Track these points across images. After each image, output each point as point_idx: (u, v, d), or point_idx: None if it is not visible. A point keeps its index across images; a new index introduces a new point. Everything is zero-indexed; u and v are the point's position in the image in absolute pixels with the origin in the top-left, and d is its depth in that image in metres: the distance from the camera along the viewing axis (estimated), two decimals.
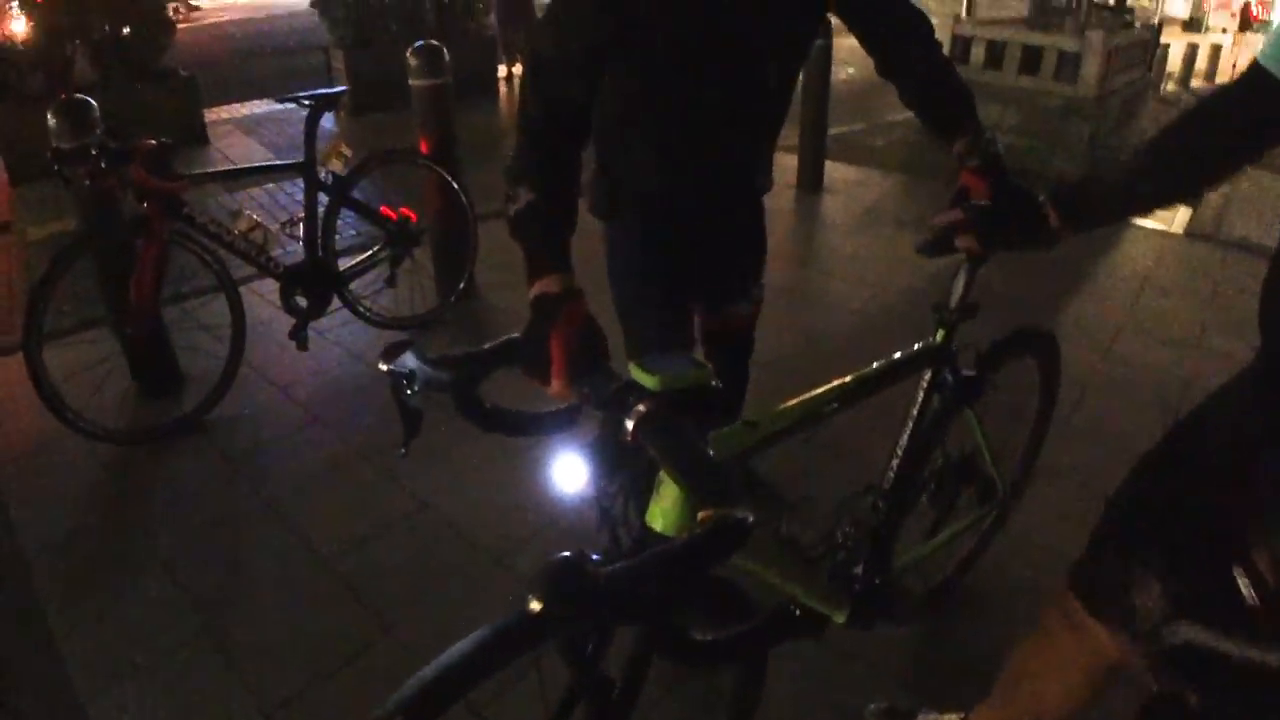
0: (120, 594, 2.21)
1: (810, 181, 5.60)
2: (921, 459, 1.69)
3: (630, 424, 0.90)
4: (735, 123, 1.62)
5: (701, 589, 1.12)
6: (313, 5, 8.31)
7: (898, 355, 1.56)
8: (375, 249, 3.48)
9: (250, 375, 3.17)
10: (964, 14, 7.32)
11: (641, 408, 0.90)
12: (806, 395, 1.37)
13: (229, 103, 8.61)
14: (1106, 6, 8.46)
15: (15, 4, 6.56)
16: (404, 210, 3.49)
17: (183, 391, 3.14)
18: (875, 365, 1.50)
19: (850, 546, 1.62)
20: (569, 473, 1.02)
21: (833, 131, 7.38)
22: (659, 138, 1.62)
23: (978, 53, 6.90)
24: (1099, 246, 4.89)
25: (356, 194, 3.38)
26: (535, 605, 0.70)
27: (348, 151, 3.28)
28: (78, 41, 6.84)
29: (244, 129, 7.71)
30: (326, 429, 2.93)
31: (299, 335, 3.18)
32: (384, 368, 1.03)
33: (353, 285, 3.43)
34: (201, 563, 2.31)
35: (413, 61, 3.46)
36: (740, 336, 2.03)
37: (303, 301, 3.22)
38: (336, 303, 3.37)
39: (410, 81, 3.51)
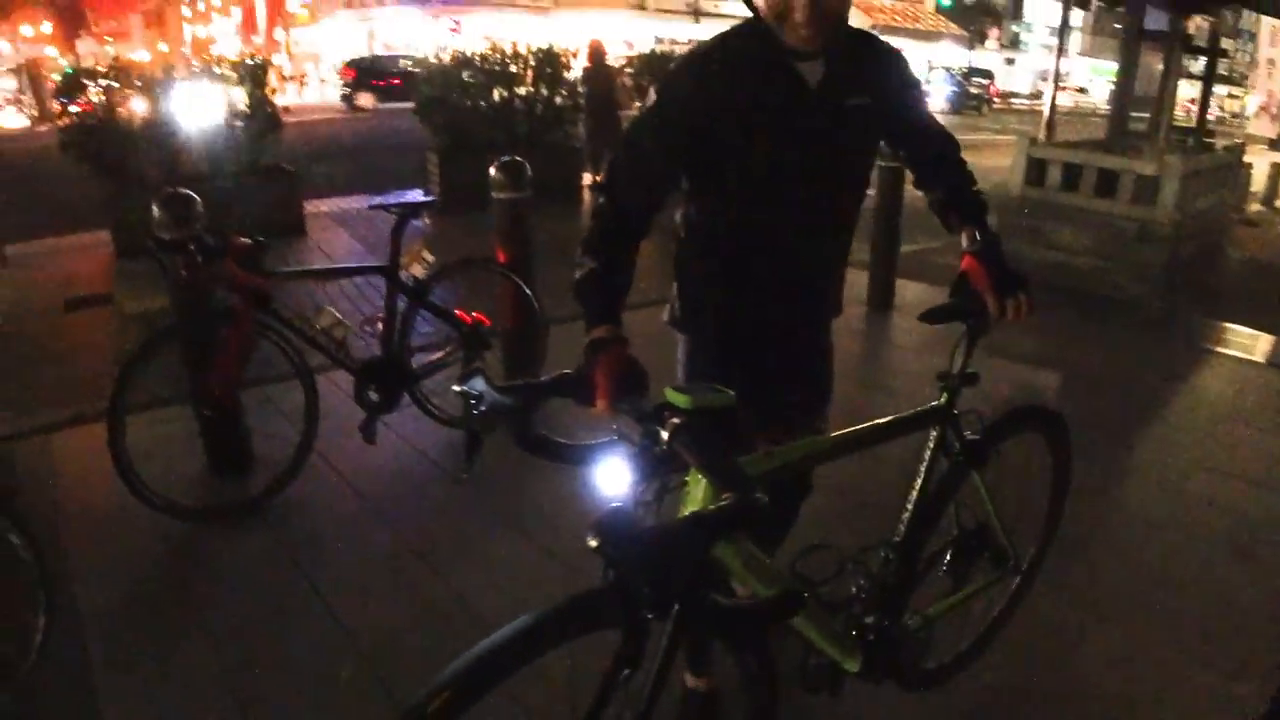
0: (165, 666, 2.29)
1: (880, 300, 5.63)
2: (931, 516, 1.83)
3: (665, 434, 1.12)
4: (802, 248, 1.75)
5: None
6: (415, 112, 8.86)
7: (903, 414, 1.77)
8: (448, 349, 3.63)
9: (318, 463, 3.28)
10: (1041, 136, 7.34)
11: (675, 420, 1.12)
12: (819, 438, 1.68)
13: (329, 197, 9.16)
14: (1187, 130, 8.39)
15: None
16: (478, 315, 3.64)
17: (252, 473, 3.27)
18: (883, 420, 1.72)
19: (863, 597, 1.74)
20: (612, 477, 1.19)
21: (908, 249, 7.43)
22: (731, 256, 1.76)
23: (1053, 174, 6.90)
24: (1178, 372, 4.78)
25: (435, 296, 3.53)
26: (592, 543, 0.89)
27: (429, 256, 3.47)
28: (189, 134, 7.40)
29: (340, 222, 8.17)
30: (382, 522, 3.02)
31: (368, 429, 3.30)
32: (456, 389, 1.23)
33: (424, 383, 3.56)
34: (245, 645, 2.38)
35: (495, 175, 3.67)
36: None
37: (375, 396, 3.35)
38: (407, 399, 3.50)
39: (492, 194, 3.72)
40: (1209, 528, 3.11)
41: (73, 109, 7.44)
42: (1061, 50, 9.21)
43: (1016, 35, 52.86)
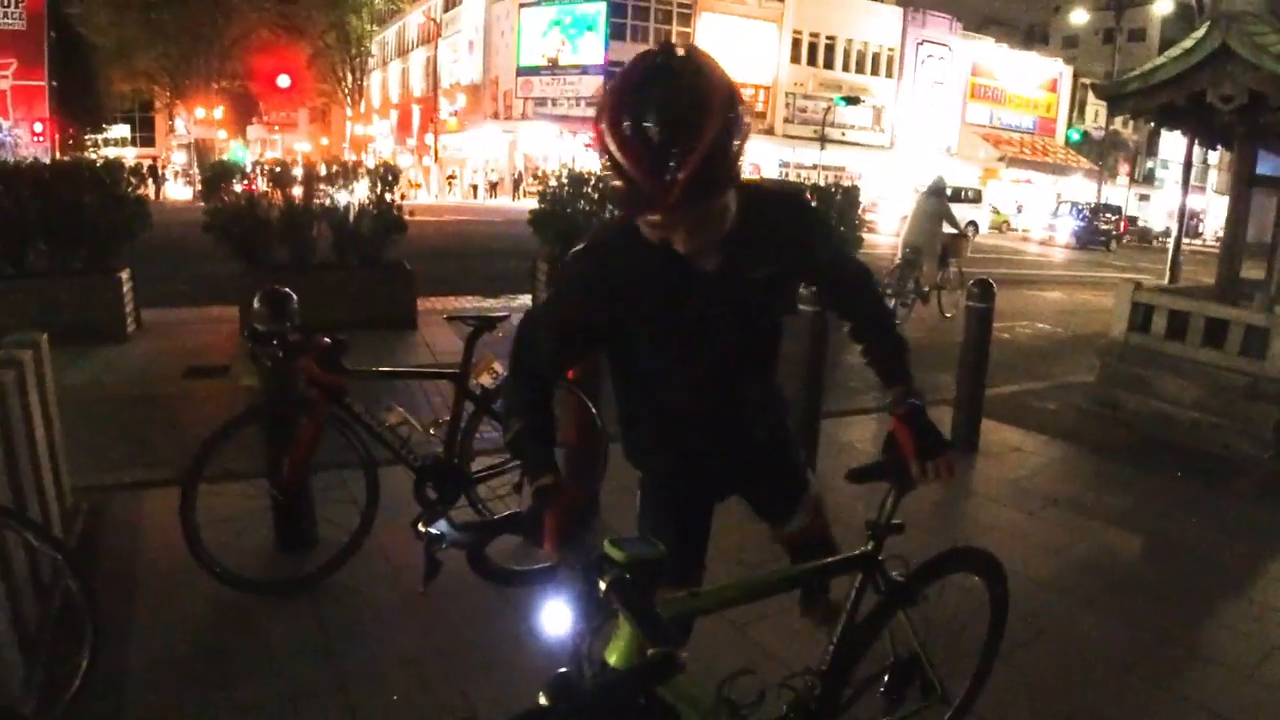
0: None
1: (963, 441, 5.50)
2: (857, 649, 1.94)
3: (603, 584, 1.29)
4: (718, 394, 1.82)
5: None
6: (530, 224, 9.35)
7: (830, 560, 1.95)
8: (508, 457, 3.77)
9: (373, 550, 3.46)
10: (1144, 281, 7.13)
11: (612, 573, 1.29)
12: (745, 578, 1.86)
13: (442, 295, 9.69)
14: None
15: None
16: None
17: (311, 552, 3.47)
18: (810, 565, 1.93)
19: None
20: (555, 618, 1.37)
21: (1005, 389, 7.32)
22: (649, 403, 1.86)
23: (1159, 322, 6.69)
24: (1271, 543, 4.49)
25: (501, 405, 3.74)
26: (544, 701, 1.23)
27: (499, 368, 3.67)
28: (320, 226, 8.03)
29: (455, 320, 8.68)
30: (416, 617, 3.15)
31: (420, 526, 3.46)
32: (421, 528, 1.45)
33: (481, 488, 3.72)
34: None
35: None
36: (812, 544, 2.11)
37: (432, 494, 3.53)
38: (464, 500, 3.66)
39: None
40: None
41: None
42: (1189, 188, 8.96)
43: (1151, 171, 51.73)
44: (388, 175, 8.39)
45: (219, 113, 39.49)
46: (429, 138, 46.60)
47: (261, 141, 51.18)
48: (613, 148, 1.42)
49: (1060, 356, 9.39)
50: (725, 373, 1.80)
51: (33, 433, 3.11)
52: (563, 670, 1.31)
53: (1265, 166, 7.33)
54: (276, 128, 52.56)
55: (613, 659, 1.36)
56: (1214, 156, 35.64)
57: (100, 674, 2.52)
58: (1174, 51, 6.66)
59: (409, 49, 56.00)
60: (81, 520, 3.70)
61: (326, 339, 3.18)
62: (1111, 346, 6.96)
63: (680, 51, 1.46)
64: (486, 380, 3.63)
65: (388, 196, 8.28)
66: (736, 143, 1.45)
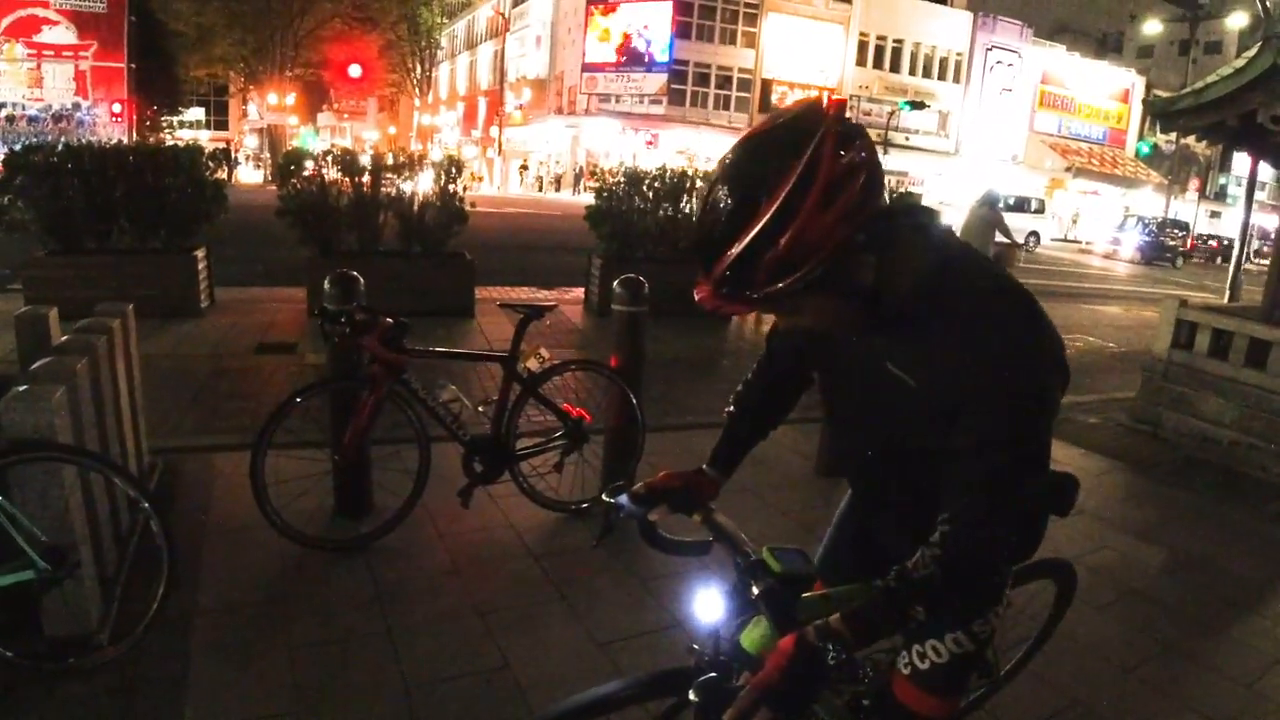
0: (245, 668, 2.74)
1: None
2: None
3: (756, 590, 1.42)
4: (872, 465, 1.65)
5: None
6: (586, 219, 9.59)
7: None
8: (551, 437, 4.05)
9: (423, 517, 3.77)
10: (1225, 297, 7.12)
11: (765, 584, 1.42)
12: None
13: (498, 286, 10.01)
14: None
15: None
16: (581, 411, 4.06)
17: (366, 516, 3.77)
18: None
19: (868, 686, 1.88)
20: (706, 604, 1.51)
21: None
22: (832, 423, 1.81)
23: (1201, 340, 6.70)
24: (1275, 564, 4.55)
25: (549, 389, 3.99)
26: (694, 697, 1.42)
27: (545, 354, 3.93)
28: (386, 215, 8.38)
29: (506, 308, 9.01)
30: (460, 579, 3.42)
31: (466, 495, 3.74)
32: (606, 499, 1.67)
33: (524, 465, 3.98)
34: (315, 664, 2.80)
35: (617, 290, 4.10)
36: None
37: (478, 468, 3.81)
38: (508, 475, 3.93)
39: (613, 306, 4.15)
40: None
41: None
42: (1260, 206, 8.86)
43: (1224, 188, 50.30)
44: (451, 167, 8.71)
45: (290, 99, 40.51)
46: (494, 130, 47.28)
47: (331, 129, 52.35)
48: None
49: (1109, 371, 9.37)
50: (857, 444, 1.64)
51: (118, 393, 3.45)
52: (712, 675, 1.47)
53: None
54: (346, 116, 53.69)
55: (747, 643, 1.47)
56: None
57: (171, 613, 2.83)
58: (1225, 70, 6.67)
59: (477, 42, 56.81)
60: (157, 476, 4.06)
61: (390, 320, 3.45)
62: (1154, 363, 6.99)
63: (783, 119, 1.25)
64: (533, 365, 3.88)
65: (451, 188, 8.59)
66: (797, 268, 1.19)
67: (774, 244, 1.18)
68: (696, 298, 1.27)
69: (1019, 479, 1.31)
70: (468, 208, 8.73)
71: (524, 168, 44.75)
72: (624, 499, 1.64)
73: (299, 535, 3.48)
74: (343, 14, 39.58)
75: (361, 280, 3.64)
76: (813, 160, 1.18)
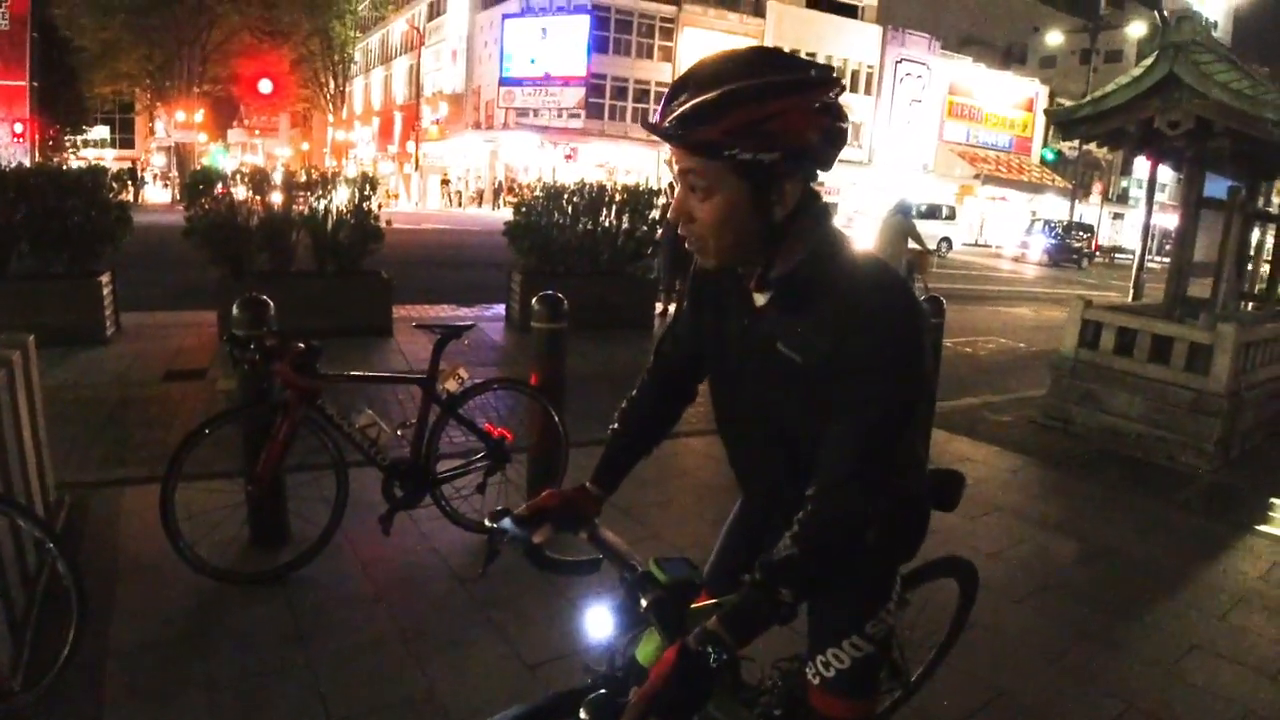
0: (165, 709, 2.63)
1: None
2: None
3: (645, 602, 1.43)
4: (740, 454, 1.73)
5: None
6: (504, 235, 9.53)
7: None
8: (472, 459, 3.99)
9: (343, 546, 3.67)
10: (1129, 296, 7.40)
11: (653, 595, 1.43)
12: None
13: (416, 304, 9.88)
14: (1250, 296, 8.27)
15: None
16: (503, 430, 4.02)
17: (284, 546, 3.65)
18: None
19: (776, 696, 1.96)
20: (597, 622, 1.51)
21: (963, 402, 7.58)
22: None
23: (1108, 339, 6.97)
24: (1211, 549, 4.74)
25: (469, 409, 3.92)
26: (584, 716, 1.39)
27: (465, 374, 3.88)
28: (299, 234, 8.19)
29: (423, 328, 8.86)
30: (381, 607, 3.34)
31: (387, 521, 3.66)
32: (488, 524, 1.62)
33: (446, 487, 3.91)
34: (235, 701, 2.70)
35: (536, 306, 4.07)
36: None
37: (398, 492, 3.73)
38: (429, 498, 3.85)
39: (533, 324, 4.12)
40: (1195, 713, 3.09)
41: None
42: (1161, 207, 9.29)
43: (1125, 190, 52.59)
44: (366, 185, 8.55)
45: (199, 116, 39.39)
46: (410, 145, 46.73)
47: (242, 145, 51.09)
48: None
49: (1021, 371, 9.67)
50: (749, 440, 1.67)
51: (20, 428, 3.28)
52: (602, 691, 1.46)
53: (1215, 188, 7.63)
54: (257, 132, 52.48)
55: (641, 657, 1.48)
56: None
57: (83, 655, 2.70)
58: (1124, 79, 6.96)
59: (392, 56, 56.19)
60: (64, 513, 3.87)
61: (301, 345, 3.36)
62: (1062, 362, 7.23)
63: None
64: (452, 385, 3.82)
65: (366, 206, 8.43)
66: (762, 140, 1.32)
67: (755, 103, 1.31)
68: (648, 123, 1.40)
69: (880, 446, 1.37)
70: (383, 225, 8.58)
71: (445, 182, 44.36)
72: (507, 522, 1.61)
73: (214, 569, 3.36)
74: (252, 27, 38.66)
75: (271, 304, 3.54)
76: (819, 79, 1.37)
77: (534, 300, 4.10)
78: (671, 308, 10.96)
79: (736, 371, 1.59)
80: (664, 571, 1.46)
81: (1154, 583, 4.22)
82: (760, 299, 1.49)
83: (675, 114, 1.34)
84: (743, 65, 1.35)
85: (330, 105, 55.60)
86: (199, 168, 9.04)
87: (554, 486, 3.97)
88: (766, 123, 1.31)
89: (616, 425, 1.82)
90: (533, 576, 3.42)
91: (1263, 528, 5.19)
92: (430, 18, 49.43)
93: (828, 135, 1.37)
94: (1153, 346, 6.70)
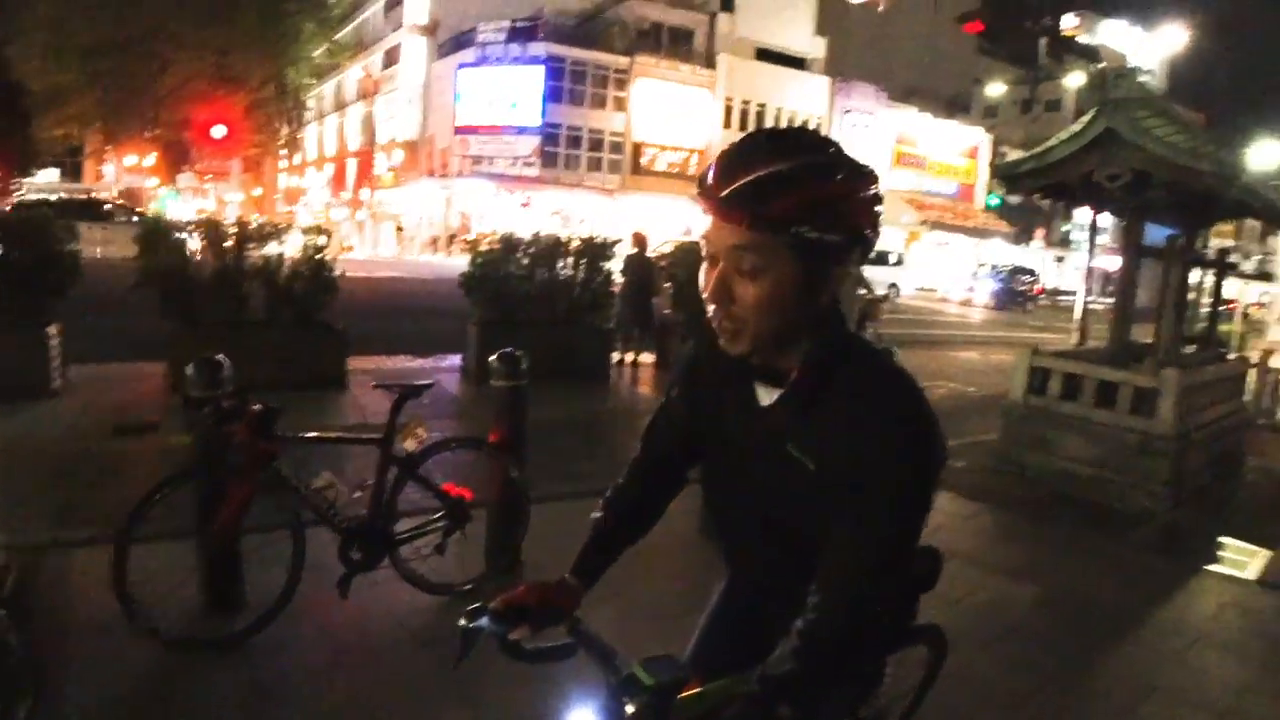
0: None
1: None
2: None
3: (630, 709, 1.34)
4: (737, 558, 1.72)
5: None
6: (461, 286, 9.49)
7: None
8: (431, 518, 3.93)
9: (300, 610, 3.56)
10: (1073, 338, 7.61)
11: (638, 699, 1.35)
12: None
13: (372, 355, 9.76)
14: (1192, 339, 8.55)
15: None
16: (463, 490, 3.97)
17: (240, 611, 3.56)
18: None
19: None
20: None
21: None
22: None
23: (1055, 384, 7.14)
24: (1164, 589, 4.84)
25: (427, 468, 3.89)
26: None
27: (423, 433, 3.85)
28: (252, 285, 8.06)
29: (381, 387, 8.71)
30: (340, 674, 3.28)
31: (344, 585, 3.59)
32: (464, 624, 1.53)
33: (404, 548, 3.85)
34: None
35: (495, 364, 4.06)
36: None
37: (356, 555, 3.66)
38: (388, 560, 3.78)
39: (491, 382, 4.10)
40: None
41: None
42: (1102, 250, 9.62)
43: (1067, 234, 54.15)
44: (320, 236, 8.50)
45: (150, 159, 38.90)
46: (364, 192, 46.55)
47: (193, 190, 50.44)
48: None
49: (972, 416, 9.82)
50: (744, 528, 1.61)
51: None
52: None
53: (1156, 234, 7.93)
54: (209, 176, 51.88)
55: None
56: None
57: None
58: (1064, 134, 7.23)
59: (346, 103, 56.12)
60: (12, 578, 3.72)
61: (259, 406, 3.31)
62: (1013, 408, 7.39)
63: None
64: (410, 445, 3.79)
65: (321, 257, 8.36)
66: (831, 220, 1.27)
67: (829, 180, 1.28)
68: (704, 191, 1.32)
69: (891, 568, 1.32)
70: (338, 275, 8.50)
71: (399, 229, 44.20)
72: (484, 621, 1.53)
73: (169, 636, 3.28)
74: (206, 73, 38.42)
75: (227, 364, 3.49)
76: (869, 169, 1.34)
77: (492, 358, 4.08)
78: (630, 356, 11.02)
79: (737, 466, 1.52)
80: (650, 674, 1.39)
81: (1113, 625, 4.30)
82: (765, 394, 1.42)
83: (742, 182, 1.26)
84: (805, 143, 1.32)
85: (284, 151, 55.24)
86: (149, 215, 8.89)
87: (515, 545, 3.98)
88: (838, 202, 1.28)
89: (601, 513, 1.72)
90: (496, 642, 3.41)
91: (1214, 567, 5.34)
92: (385, 66, 49.60)
93: (877, 225, 1.35)
94: (1099, 391, 6.89)
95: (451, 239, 39.06)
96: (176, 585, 3.48)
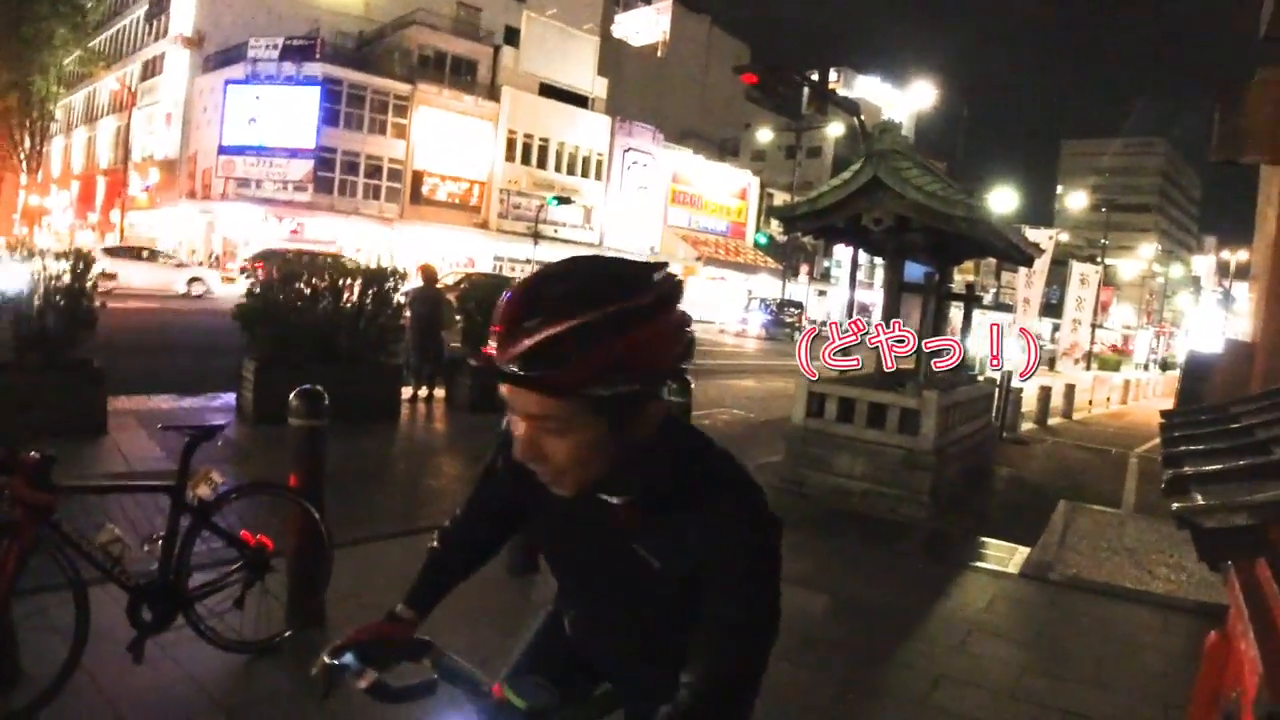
0: None
1: None
2: None
3: None
4: (599, 633, 1.66)
5: None
6: (235, 318, 8.82)
7: None
8: (229, 570, 3.69)
9: (85, 681, 3.22)
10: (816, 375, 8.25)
11: None
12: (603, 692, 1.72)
13: (137, 394, 8.92)
14: (950, 369, 9.55)
15: None
16: (262, 538, 3.74)
17: (15, 687, 3.18)
18: None
19: None
20: None
21: None
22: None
23: (830, 408, 7.74)
24: (938, 589, 5.32)
25: (223, 515, 3.64)
26: None
27: (217, 479, 3.57)
28: None
29: (144, 423, 7.94)
30: None
31: (137, 648, 3.29)
32: (327, 660, 1.48)
33: (200, 605, 3.58)
34: None
35: (294, 403, 3.85)
36: None
37: (148, 615, 3.36)
38: (183, 619, 3.49)
39: (289, 421, 3.88)
40: None
41: None
42: (861, 285, 10.59)
43: (828, 270, 58.51)
44: (80, 263, 7.66)
45: None
46: (115, 214, 42.62)
47: None
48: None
49: (755, 439, 10.36)
50: (582, 595, 1.64)
51: None
52: None
53: (913, 272, 8.83)
54: None
55: None
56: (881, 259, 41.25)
57: None
58: (835, 181, 7.92)
59: (98, 115, 51.53)
60: None
61: (34, 454, 3.00)
62: (794, 431, 7.93)
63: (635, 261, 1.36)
64: (204, 492, 3.52)
65: (79, 287, 7.54)
66: (623, 374, 1.20)
67: (613, 336, 1.18)
68: (483, 359, 1.24)
69: (759, 646, 1.33)
70: (98, 306, 7.73)
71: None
72: (349, 658, 1.48)
73: None
74: None
75: None
76: (665, 294, 1.25)
77: (292, 395, 3.88)
78: (422, 392, 10.76)
79: (572, 546, 1.54)
80: (522, 697, 1.43)
81: (898, 626, 4.71)
82: (608, 498, 1.38)
83: (518, 352, 1.18)
84: (589, 286, 1.22)
85: (24, 166, 49.46)
86: None
87: (318, 594, 3.78)
88: (629, 356, 1.19)
89: (437, 544, 1.72)
90: (303, 703, 3.20)
91: (978, 564, 5.96)
92: (144, 77, 46.03)
93: (686, 350, 1.31)
94: (869, 413, 7.54)
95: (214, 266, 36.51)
96: None
